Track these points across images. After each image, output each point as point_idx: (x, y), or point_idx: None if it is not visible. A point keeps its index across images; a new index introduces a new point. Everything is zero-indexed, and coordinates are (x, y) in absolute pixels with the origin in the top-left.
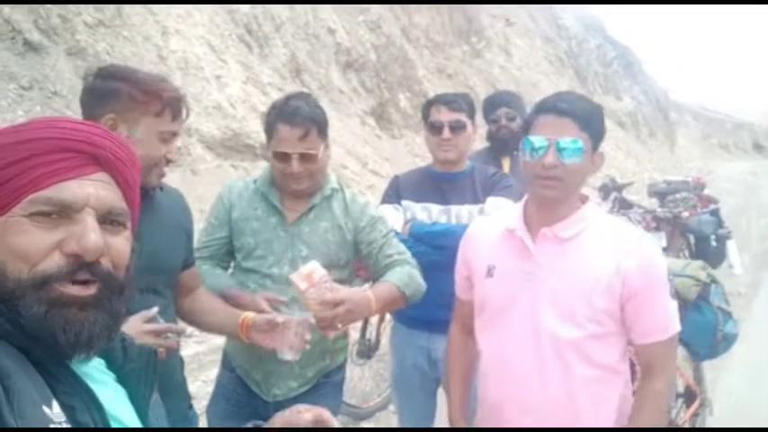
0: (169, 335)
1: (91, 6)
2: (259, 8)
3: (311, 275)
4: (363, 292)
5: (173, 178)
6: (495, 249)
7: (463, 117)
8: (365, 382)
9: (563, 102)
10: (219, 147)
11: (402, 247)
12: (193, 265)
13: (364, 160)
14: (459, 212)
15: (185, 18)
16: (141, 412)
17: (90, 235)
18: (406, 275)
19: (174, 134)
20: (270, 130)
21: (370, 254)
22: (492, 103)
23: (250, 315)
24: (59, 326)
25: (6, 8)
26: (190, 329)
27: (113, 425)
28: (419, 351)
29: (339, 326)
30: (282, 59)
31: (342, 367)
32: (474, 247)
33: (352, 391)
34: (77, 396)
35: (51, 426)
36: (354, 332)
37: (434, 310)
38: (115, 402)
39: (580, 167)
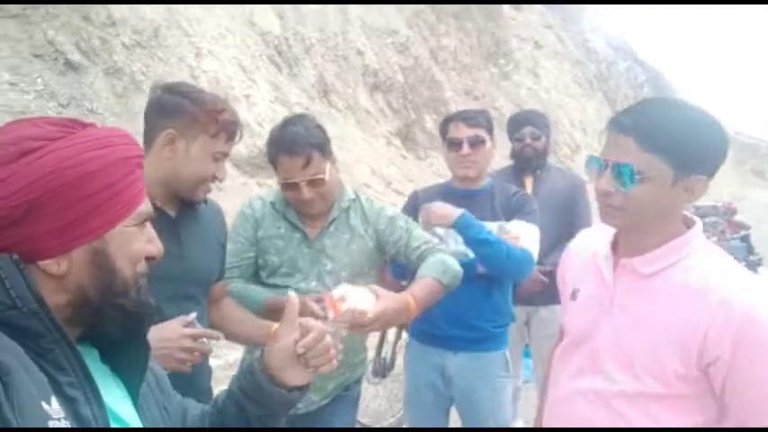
0: (204, 340)
1: (129, 28)
2: (290, 30)
3: (337, 306)
4: (401, 297)
5: None
6: (582, 271)
7: (482, 132)
8: (379, 402)
9: (628, 115)
10: (246, 164)
11: (426, 236)
12: (223, 278)
13: (388, 180)
14: None
15: (218, 40)
16: (133, 402)
17: (158, 240)
18: (439, 264)
19: (226, 155)
20: (273, 161)
21: (398, 252)
22: (517, 122)
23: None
24: (148, 314)
25: (51, 30)
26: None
27: (112, 421)
28: (432, 368)
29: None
30: (311, 80)
31: (359, 381)
32: (568, 264)
33: (365, 410)
34: (81, 389)
35: (50, 422)
36: (370, 349)
37: (447, 327)
38: (114, 396)
39: (648, 196)
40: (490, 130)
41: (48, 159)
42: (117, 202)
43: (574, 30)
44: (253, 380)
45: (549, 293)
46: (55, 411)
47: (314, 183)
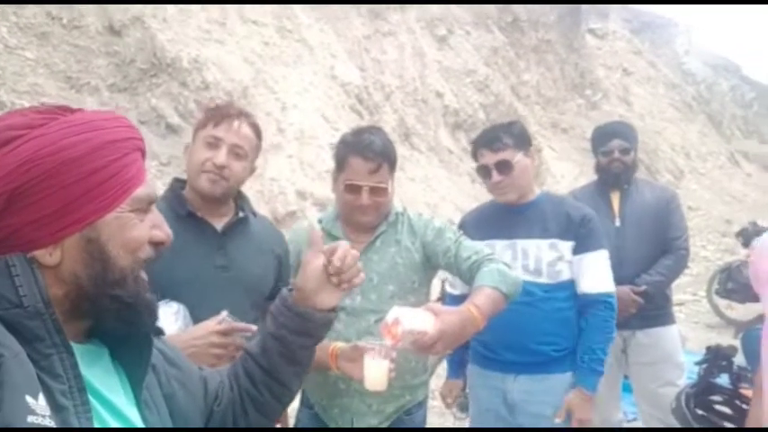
0: (246, 334)
1: (221, 90)
2: (370, 80)
3: (393, 330)
4: (464, 310)
5: None
6: None
7: (508, 155)
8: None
9: None
10: (331, 208)
11: (477, 246)
12: None
13: None
14: (526, 247)
15: (302, 94)
16: (136, 394)
17: (166, 225)
18: (495, 273)
19: (219, 139)
20: (341, 161)
21: (449, 264)
22: (604, 134)
23: (338, 344)
24: (146, 306)
25: (154, 98)
26: None
27: (116, 421)
28: (494, 393)
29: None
30: (392, 125)
31: (422, 404)
32: (765, 253)
33: None
34: (72, 400)
35: (30, 417)
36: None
37: (504, 352)
38: (121, 396)
39: None
40: (521, 145)
41: (25, 148)
42: (107, 188)
43: (666, 53)
44: (291, 313)
45: (645, 315)
46: (40, 408)
47: (376, 191)
